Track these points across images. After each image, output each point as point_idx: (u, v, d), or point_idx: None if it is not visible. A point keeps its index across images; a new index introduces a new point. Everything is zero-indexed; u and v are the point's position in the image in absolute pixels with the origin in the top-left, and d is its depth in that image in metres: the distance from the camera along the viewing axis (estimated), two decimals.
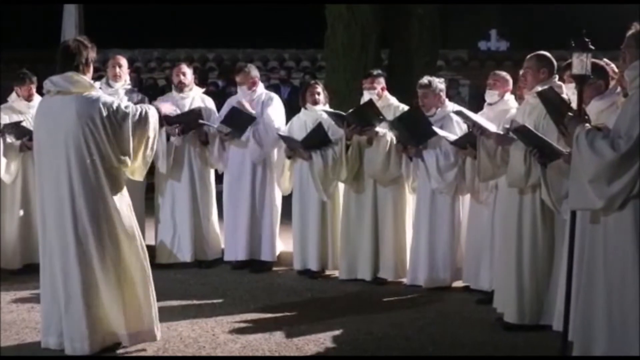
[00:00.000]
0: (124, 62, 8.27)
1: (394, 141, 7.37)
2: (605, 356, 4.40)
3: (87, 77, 5.34)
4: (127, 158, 5.34)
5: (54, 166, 5.27)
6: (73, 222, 5.22)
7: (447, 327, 6.20)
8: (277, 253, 8.27)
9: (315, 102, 7.89)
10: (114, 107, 5.27)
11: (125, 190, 5.45)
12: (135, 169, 5.51)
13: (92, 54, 5.37)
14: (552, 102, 5.32)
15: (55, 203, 5.26)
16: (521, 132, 5.69)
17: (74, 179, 5.21)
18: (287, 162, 7.99)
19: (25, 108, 7.93)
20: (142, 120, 5.36)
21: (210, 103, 8.38)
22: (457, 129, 7.19)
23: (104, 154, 5.24)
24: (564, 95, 5.72)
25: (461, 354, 5.60)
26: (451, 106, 7.36)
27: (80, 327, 5.23)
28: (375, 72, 7.87)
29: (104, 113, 5.21)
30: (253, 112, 7.96)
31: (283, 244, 8.43)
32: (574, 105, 5.04)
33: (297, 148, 7.76)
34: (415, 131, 7.16)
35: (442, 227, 7.30)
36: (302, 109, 8.05)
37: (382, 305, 6.93)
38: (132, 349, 5.47)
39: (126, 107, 5.35)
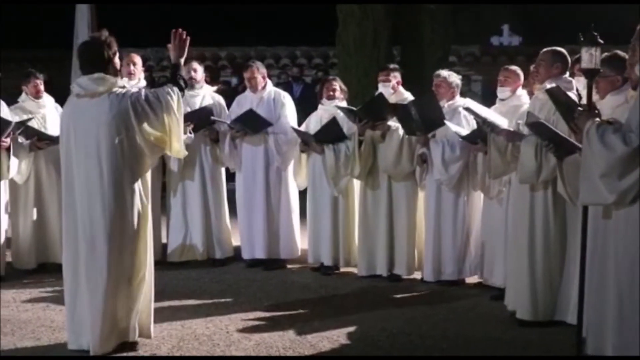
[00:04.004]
0: (138, 60, 8.25)
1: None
2: (617, 356, 4.38)
3: (112, 74, 5.39)
4: (163, 136, 5.38)
5: (83, 167, 5.28)
6: (103, 221, 5.23)
7: (462, 323, 6.19)
8: (299, 250, 8.27)
9: (331, 98, 7.89)
10: (143, 98, 5.33)
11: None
12: (174, 148, 5.53)
13: (113, 49, 5.42)
14: (561, 100, 5.30)
15: (87, 203, 5.27)
16: (536, 127, 5.66)
17: (106, 180, 5.23)
18: (303, 157, 8.01)
19: (35, 108, 7.92)
20: (166, 104, 5.38)
21: (221, 101, 8.39)
22: (465, 123, 7.16)
23: (137, 151, 5.30)
24: (573, 91, 5.70)
25: (475, 351, 5.58)
26: (461, 101, 7.34)
27: (96, 324, 5.24)
28: (391, 66, 7.89)
29: (135, 106, 5.27)
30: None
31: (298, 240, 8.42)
32: (584, 99, 5.02)
33: (310, 141, 7.77)
34: (427, 117, 7.11)
35: (446, 222, 7.31)
36: (320, 104, 8.05)
37: (396, 301, 6.93)
38: (145, 348, 5.49)
39: (154, 96, 5.37)
